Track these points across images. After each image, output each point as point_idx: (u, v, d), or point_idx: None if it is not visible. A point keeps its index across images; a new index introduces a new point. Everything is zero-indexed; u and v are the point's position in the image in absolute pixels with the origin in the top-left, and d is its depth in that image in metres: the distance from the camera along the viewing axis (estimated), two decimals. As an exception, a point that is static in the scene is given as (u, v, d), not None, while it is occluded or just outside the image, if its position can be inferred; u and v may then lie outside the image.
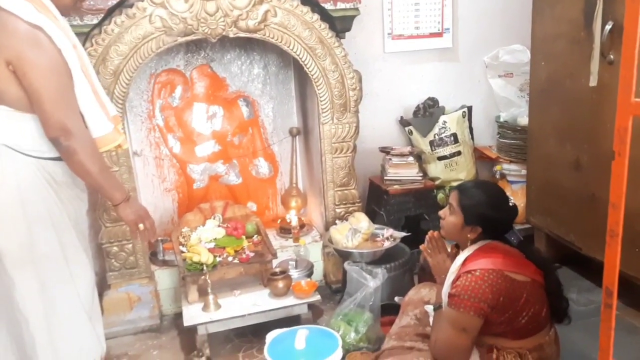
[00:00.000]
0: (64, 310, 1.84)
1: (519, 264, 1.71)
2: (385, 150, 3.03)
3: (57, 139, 1.67)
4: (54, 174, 1.76)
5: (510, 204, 1.83)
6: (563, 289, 1.79)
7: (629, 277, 2.36)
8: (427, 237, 1.99)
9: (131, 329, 2.57)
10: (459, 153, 3.21)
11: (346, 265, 2.40)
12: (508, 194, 3.07)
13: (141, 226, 1.90)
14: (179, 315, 2.56)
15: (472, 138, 3.29)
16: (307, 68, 2.64)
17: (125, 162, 2.50)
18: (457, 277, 1.70)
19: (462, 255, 1.77)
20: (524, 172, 3.12)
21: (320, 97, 2.70)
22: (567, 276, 2.76)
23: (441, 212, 1.89)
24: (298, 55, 2.61)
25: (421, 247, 2.02)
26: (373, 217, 2.93)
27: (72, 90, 1.72)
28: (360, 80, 2.75)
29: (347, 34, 2.78)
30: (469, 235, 1.78)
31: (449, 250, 1.98)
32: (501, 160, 3.28)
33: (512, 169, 3.24)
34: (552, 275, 1.77)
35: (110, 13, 2.36)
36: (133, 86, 2.70)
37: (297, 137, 3.16)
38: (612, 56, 2.24)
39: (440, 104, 3.27)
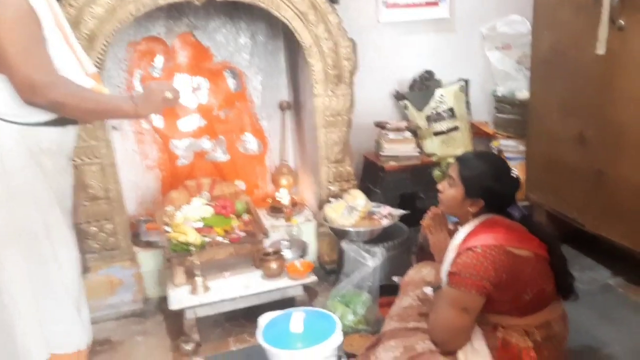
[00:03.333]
0: (48, 295, 1.69)
1: (522, 238, 1.62)
2: (380, 125, 2.89)
3: (32, 100, 1.51)
4: (38, 142, 1.60)
5: (513, 175, 1.71)
6: (568, 264, 1.70)
7: (635, 254, 2.28)
8: (428, 213, 1.87)
9: (113, 313, 2.41)
10: (456, 128, 3.08)
11: (344, 244, 2.27)
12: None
13: (168, 94, 1.69)
14: (163, 300, 2.41)
15: (469, 113, 3.17)
16: (299, 36, 2.48)
17: (103, 135, 2.32)
18: (458, 255, 1.61)
19: (463, 231, 1.67)
20: (522, 147, 3.02)
21: (313, 68, 2.54)
22: (569, 254, 2.63)
23: (440, 186, 1.77)
24: (289, 21, 2.44)
25: (422, 222, 1.90)
26: (368, 195, 2.78)
27: (42, 42, 1.54)
28: (355, 50, 2.59)
29: (340, 1, 2.61)
30: (469, 209, 1.68)
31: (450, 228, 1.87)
32: (498, 135, 3.18)
33: (509, 145, 3.13)
34: (557, 250, 1.69)
35: (84, -29, 2.15)
36: (110, 55, 2.51)
37: (287, 111, 3.00)
38: (622, 22, 2.12)
39: (436, 77, 3.13)
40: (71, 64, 1.61)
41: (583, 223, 2.50)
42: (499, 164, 1.71)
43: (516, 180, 1.68)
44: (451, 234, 1.77)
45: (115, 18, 2.21)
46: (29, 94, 1.49)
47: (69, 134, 1.72)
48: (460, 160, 1.73)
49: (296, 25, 2.45)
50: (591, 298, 2.29)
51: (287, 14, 2.42)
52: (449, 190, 1.71)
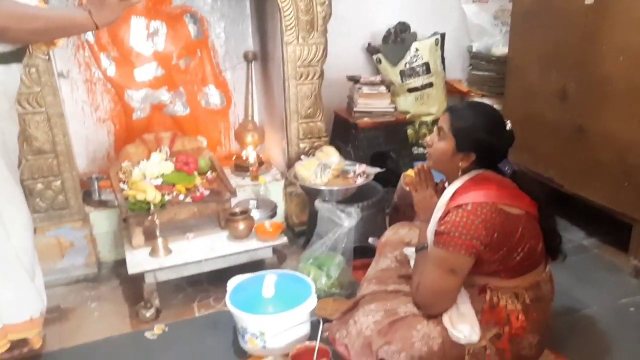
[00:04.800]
0: None
1: (514, 195, 1.52)
2: (353, 79, 2.72)
3: None
4: None
5: (507, 128, 1.60)
6: (557, 223, 1.61)
7: (614, 214, 2.24)
8: (414, 169, 1.74)
9: (63, 278, 2.20)
10: (430, 85, 2.95)
11: (317, 203, 2.12)
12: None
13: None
14: (120, 263, 2.22)
15: (444, 69, 3.04)
16: (269, -24, 2.26)
17: (49, 81, 2.06)
18: (446, 212, 1.50)
19: (452, 188, 1.56)
20: (497, 106, 2.92)
21: (284, 12, 2.33)
22: (542, 215, 2.65)
23: (428, 139, 1.64)
24: (258, -40, 2.22)
25: (404, 179, 1.77)
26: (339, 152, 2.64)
27: None
28: (329, -6, 2.39)
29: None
30: (460, 164, 1.56)
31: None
32: (473, 94, 3.07)
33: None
34: (547, 208, 1.59)
35: None
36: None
37: (253, 62, 2.78)
38: (615, -31, 2.01)
39: (411, 30, 2.97)
40: None
41: (561, 183, 2.44)
42: (493, 115, 1.58)
43: (510, 134, 1.56)
44: (437, 191, 1.65)
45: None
46: None
47: (11, 72, 1.50)
48: (452, 110, 1.59)
49: (266, -36, 2.23)
50: (567, 259, 2.25)
51: (255, -49, 2.20)
52: (439, 144, 1.58)
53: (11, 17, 1.34)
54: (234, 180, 2.59)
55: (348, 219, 2.01)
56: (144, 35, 2.58)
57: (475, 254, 1.44)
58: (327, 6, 2.40)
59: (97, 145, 2.61)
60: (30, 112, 2.05)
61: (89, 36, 2.47)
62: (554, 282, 1.64)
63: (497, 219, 1.43)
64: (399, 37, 2.91)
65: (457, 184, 1.55)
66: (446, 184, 1.63)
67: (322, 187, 2.24)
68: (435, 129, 1.62)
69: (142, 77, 2.62)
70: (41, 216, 2.18)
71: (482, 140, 1.53)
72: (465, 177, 1.55)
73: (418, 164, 1.73)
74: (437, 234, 1.49)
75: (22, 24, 1.37)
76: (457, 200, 1.49)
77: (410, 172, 2.15)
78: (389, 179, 2.54)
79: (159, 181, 2.16)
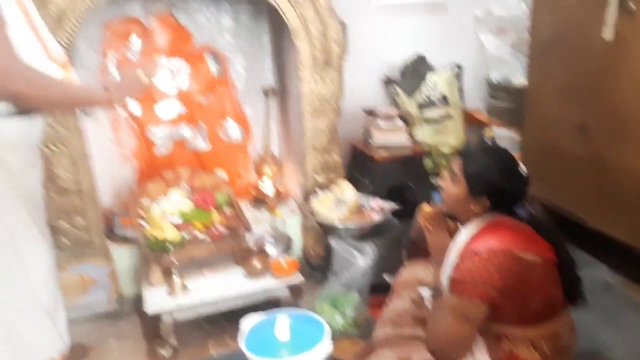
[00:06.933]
0: (13, 304, 1.55)
1: (530, 241, 1.49)
2: (370, 113, 2.74)
3: None
4: (1, 135, 1.44)
5: (522, 172, 1.58)
6: (576, 266, 1.57)
7: (637, 251, 2.18)
8: (424, 208, 1.73)
9: (85, 315, 2.26)
10: (448, 116, 2.94)
11: (332, 241, 2.13)
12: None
13: (142, 76, 1.61)
14: (140, 298, 2.26)
15: (463, 100, 3.03)
16: (285, 17, 2.31)
17: (74, 124, 2.14)
18: (461, 259, 1.48)
19: (465, 232, 1.54)
20: (517, 137, 2.90)
21: (300, 51, 2.37)
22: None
23: (441, 182, 1.63)
24: (275, 2, 2.27)
25: (420, 221, 1.76)
26: (355, 186, 2.64)
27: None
28: (345, 33, 2.43)
29: (329, -20, 2.44)
30: (473, 209, 1.54)
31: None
32: (492, 124, 3.05)
33: (504, 134, 3.00)
34: (564, 251, 1.55)
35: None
36: (81, 35, 2.31)
37: (271, 97, 2.83)
38: (632, 5, 1.99)
39: (428, 62, 2.98)
40: (35, 50, 1.45)
41: (583, 217, 2.39)
42: (505, 158, 1.56)
43: (525, 177, 1.55)
44: (451, 232, 1.64)
45: (86, -5, 2.02)
46: None
47: (35, 124, 1.56)
48: (463, 154, 1.58)
49: (283, 5, 2.28)
50: (590, 297, 2.19)
51: (273, -6, 2.25)
52: (451, 188, 1.57)
53: (32, 85, 1.39)
54: (252, 213, 2.63)
55: (362, 258, 2.02)
56: (167, 74, 2.66)
57: (491, 302, 1.41)
58: (343, 44, 2.44)
59: (120, 180, 2.68)
60: (55, 153, 2.13)
61: (114, 75, 2.56)
62: (575, 331, 1.59)
63: (513, 266, 1.40)
64: (416, 70, 2.92)
65: (471, 228, 1.53)
66: (460, 226, 1.62)
67: (338, 224, 2.25)
68: (447, 172, 1.62)
69: (164, 114, 2.70)
70: (65, 253, 2.24)
71: (495, 185, 1.51)
72: (480, 222, 1.53)
73: (434, 198, 1.72)
74: (452, 281, 1.47)
75: (41, 94, 1.42)
76: (472, 246, 1.47)
77: (426, 207, 2.14)
78: (406, 211, 2.53)
79: (177, 218, 2.21)
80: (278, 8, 2.29)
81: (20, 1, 1.45)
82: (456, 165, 1.57)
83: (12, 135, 1.48)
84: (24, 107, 1.46)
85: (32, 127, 1.57)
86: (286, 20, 2.31)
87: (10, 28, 1.37)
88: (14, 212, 1.51)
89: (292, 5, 2.28)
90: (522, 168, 1.56)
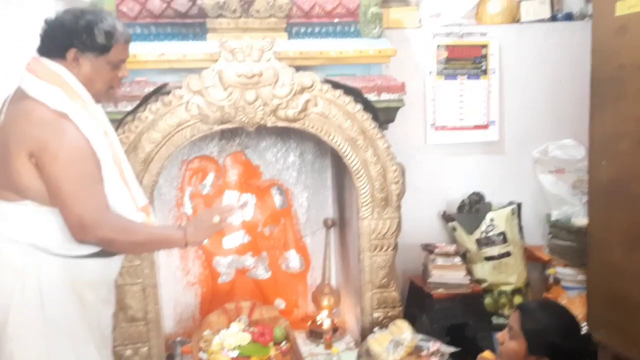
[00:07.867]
0: None
1: None
2: (428, 249, 2.78)
3: (83, 239, 1.52)
4: (81, 274, 1.60)
5: (583, 332, 1.55)
6: None
7: None
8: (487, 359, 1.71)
9: None
10: (508, 254, 2.93)
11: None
12: (563, 302, 2.78)
13: (217, 219, 1.70)
14: None
15: (522, 237, 3.03)
16: (347, 159, 2.48)
17: (148, 255, 2.31)
18: None
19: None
20: (580, 277, 2.81)
21: (361, 190, 2.51)
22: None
23: (499, 336, 1.62)
24: (338, 146, 2.46)
25: None
26: (413, 323, 2.62)
27: (98, 181, 1.57)
28: (403, 174, 2.56)
29: (389, 125, 2.63)
30: None
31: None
32: (555, 263, 2.99)
33: (567, 273, 2.93)
34: None
35: (145, 100, 2.26)
36: (163, 173, 2.56)
37: (331, 229, 2.94)
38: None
39: (486, 200, 3.05)
40: (124, 200, 1.63)
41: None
42: (567, 317, 1.56)
43: (587, 338, 1.52)
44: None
45: (171, 143, 2.27)
46: (80, 233, 1.50)
47: (112, 264, 1.71)
48: (523, 310, 1.59)
49: (345, 149, 2.46)
50: None
51: (336, 139, 2.44)
52: (510, 343, 1.56)
53: (119, 231, 1.57)
54: (308, 347, 2.63)
55: (420, 409, 1.95)
56: (235, 207, 2.85)
57: None
58: (401, 184, 2.55)
59: (184, 307, 2.79)
60: (128, 284, 2.28)
61: (187, 208, 2.77)
62: None
63: None
64: (474, 207, 2.98)
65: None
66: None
67: (394, 367, 2.21)
68: (507, 328, 1.61)
69: (230, 244, 2.85)
70: (127, 381, 2.32)
71: (556, 345, 1.49)
72: None
73: (494, 339, 1.68)
74: None
75: (127, 238, 1.59)
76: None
77: (488, 355, 2.08)
78: (467, 353, 2.46)
79: (235, 353, 2.25)
80: (340, 151, 2.47)
81: (116, 155, 1.66)
82: (515, 320, 1.57)
83: (93, 274, 1.63)
84: (111, 250, 1.63)
85: (111, 266, 1.72)
86: (348, 163, 2.48)
87: (106, 184, 1.58)
88: (85, 346, 1.61)
89: (353, 149, 2.46)
90: (584, 328, 1.53)
